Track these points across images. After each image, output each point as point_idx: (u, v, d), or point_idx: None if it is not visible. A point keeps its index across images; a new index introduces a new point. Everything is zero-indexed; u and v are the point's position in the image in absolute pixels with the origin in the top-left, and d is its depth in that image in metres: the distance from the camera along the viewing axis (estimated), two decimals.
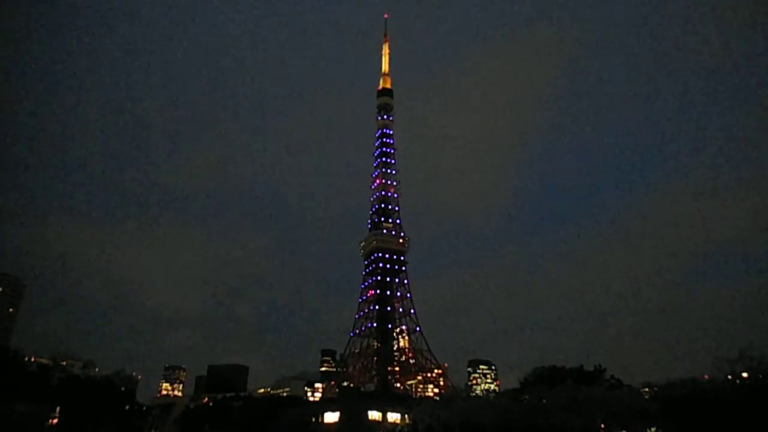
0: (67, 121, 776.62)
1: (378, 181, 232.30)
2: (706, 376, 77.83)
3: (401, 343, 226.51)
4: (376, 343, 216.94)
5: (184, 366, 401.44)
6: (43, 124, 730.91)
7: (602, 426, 73.84)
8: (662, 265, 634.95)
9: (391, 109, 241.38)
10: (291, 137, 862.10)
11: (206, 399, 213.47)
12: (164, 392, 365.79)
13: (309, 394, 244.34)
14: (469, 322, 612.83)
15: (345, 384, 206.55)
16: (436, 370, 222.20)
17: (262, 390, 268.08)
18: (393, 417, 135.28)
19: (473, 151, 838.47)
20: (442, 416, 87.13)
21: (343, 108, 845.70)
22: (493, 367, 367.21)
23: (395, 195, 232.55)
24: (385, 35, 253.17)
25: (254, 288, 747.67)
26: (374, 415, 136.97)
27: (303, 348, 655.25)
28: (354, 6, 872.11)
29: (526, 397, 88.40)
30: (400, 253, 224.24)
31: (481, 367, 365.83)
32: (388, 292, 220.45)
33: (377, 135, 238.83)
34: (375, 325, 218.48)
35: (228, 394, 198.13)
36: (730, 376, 71.03)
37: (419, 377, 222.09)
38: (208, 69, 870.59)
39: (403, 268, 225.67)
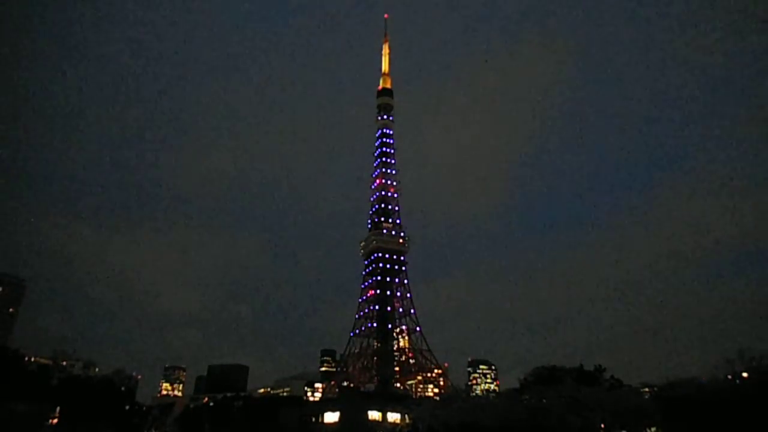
0: (68, 121, 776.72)
1: (378, 181, 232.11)
2: (706, 377, 77.71)
3: (401, 343, 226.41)
4: (376, 343, 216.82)
5: (184, 366, 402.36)
6: (44, 124, 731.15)
7: (602, 426, 73.80)
8: (662, 265, 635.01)
9: (391, 109, 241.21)
10: (291, 137, 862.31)
11: (206, 399, 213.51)
12: (164, 392, 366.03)
13: (309, 394, 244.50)
14: (469, 322, 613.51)
15: (345, 384, 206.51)
16: (436, 370, 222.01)
17: (262, 390, 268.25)
18: (393, 417, 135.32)
19: (473, 151, 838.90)
20: (442, 416, 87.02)
21: (343, 108, 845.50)
22: (493, 367, 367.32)
23: (395, 195, 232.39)
24: (385, 35, 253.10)
25: (254, 288, 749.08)
26: (374, 415, 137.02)
27: (303, 348, 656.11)
28: (354, 6, 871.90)
29: (526, 397, 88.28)
30: (400, 253, 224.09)
31: (481, 367, 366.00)
32: (388, 292, 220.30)
33: (377, 135, 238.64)
34: (375, 325, 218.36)
35: (228, 394, 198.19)
36: (730, 376, 70.91)
37: (419, 377, 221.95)
38: (208, 70, 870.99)
39: (403, 268, 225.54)
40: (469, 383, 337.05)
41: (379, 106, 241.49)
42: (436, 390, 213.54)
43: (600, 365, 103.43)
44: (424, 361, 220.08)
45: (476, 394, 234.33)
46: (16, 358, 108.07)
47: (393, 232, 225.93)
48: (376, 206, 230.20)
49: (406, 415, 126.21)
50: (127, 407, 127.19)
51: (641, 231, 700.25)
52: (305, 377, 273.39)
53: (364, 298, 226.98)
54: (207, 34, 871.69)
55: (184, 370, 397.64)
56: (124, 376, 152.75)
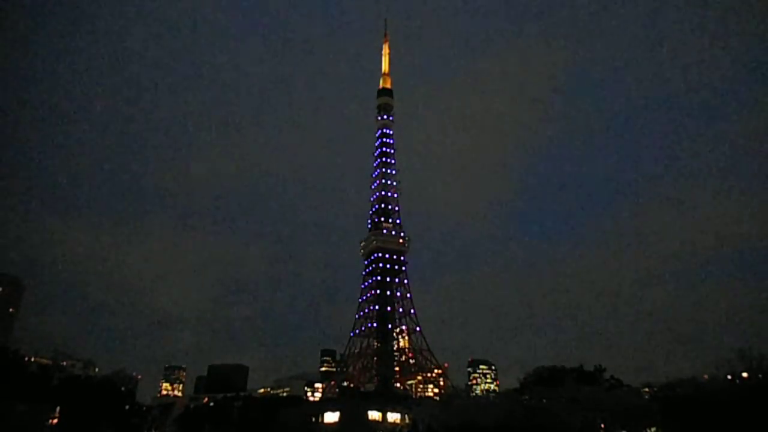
0: (68, 121, 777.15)
1: (378, 181, 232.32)
2: (706, 376, 77.81)
3: (401, 343, 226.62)
4: (376, 343, 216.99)
5: (184, 366, 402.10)
6: (44, 124, 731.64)
7: (602, 426, 73.88)
8: (662, 265, 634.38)
9: (391, 109, 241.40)
10: (291, 137, 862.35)
11: (206, 399, 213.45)
12: (164, 392, 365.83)
13: (309, 394, 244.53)
14: (469, 322, 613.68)
15: (345, 384, 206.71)
16: (436, 370, 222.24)
17: (262, 390, 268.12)
18: (393, 417, 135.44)
19: (473, 152, 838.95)
20: (442, 416, 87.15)
21: (343, 108, 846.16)
22: (493, 367, 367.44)
23: (395, 195, 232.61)
24: (385, 35, 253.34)
25: (254, 288, 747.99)
26: (374, 415, 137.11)
27: (303, 348, 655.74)
28: (354, 6, 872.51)
29: (526, 397, 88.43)
30: (400, 253, 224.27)
31: (481, 367, 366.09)
32: (388, 292, 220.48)
33: (377, 135, 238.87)
34: (375, 325, 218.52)
35: (228, 394, 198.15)
36: (730, 376, 71.00)
37: (419, 377, 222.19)
38: (207, 69, 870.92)
39: (403, 268, 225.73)
40: (469, 383, 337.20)
41: (379, 106, 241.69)
42: (436, 390, 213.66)
43: (600, 365, 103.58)
44: (424, 361, 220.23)
45: (476, 394, 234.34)
46: (16, 358, 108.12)
47: (393, 232, 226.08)
48: (376, 206, 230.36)
49: (406, 415, 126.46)
50: (127, 407, 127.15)
51: (641, 231, 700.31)
52: (305, 377, 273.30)
53: (364, 298, 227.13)
54: (206, 34, 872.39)
55: (184, 370, 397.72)
56: (124, 376, 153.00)
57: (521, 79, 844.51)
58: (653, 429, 77.80)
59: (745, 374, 68.44)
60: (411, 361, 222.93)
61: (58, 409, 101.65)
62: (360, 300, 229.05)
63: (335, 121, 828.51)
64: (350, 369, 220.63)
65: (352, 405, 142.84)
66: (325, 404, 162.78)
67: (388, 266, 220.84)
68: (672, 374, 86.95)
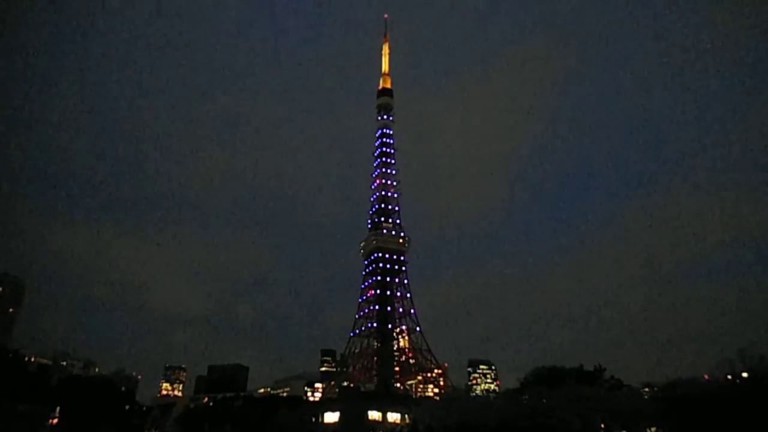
0: (69, 121, 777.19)
1: (378, 181, 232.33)
2: (706, 376, 77.86)
3: (401, 343, 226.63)
4: (376, 343, 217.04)
5: (184, 366, 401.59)
6: (45, 124, 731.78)
7: (602, 426, 73.84)
8: (662, 265, 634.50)
9: (391, 109, 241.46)
10: (291, 137, 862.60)
11: (206, 399, 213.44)
12: (164, 392, 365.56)
13: (309, 394, 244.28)
14: (469, 322, 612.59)
15: (345, 384, 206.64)
16: (436, 370, 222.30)
17: (262, 390, 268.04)
18: (393, 417, 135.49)
19: (473, 151, 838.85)
20: (442, 416, 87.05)
21: (343, 108, 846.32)
22: (493, 367, 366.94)
23: (395, 195, 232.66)
24: (385, 35, 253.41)
25: (254, 288, 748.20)
26: (374, 415, 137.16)
27: (303, 348, 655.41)
28: (354, 6, 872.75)
29: (526, 397, 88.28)
30: (400, 253, 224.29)
31: (481, 367, 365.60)
32: (388, 292, 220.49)
33: (377, 135, 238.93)
34: (375, 325, 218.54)
35: (228, 394, 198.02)
36: (730, 376, 71.03)
37: (419, 377, 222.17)
38: (207, 70, 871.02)
39: (403, 268, 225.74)
40: (469, 383, 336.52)
41: (379, 106, 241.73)
42: (436, 390, 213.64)
43: (600, 365, 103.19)
44: (424, 361, 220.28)
45: (476, 394, 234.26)
46: (16, 358, 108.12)
47: (393, 232, 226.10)
48: (376, 206, 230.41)
49: (406, 415, 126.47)
50: (127, 407, 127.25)
51: (641, 231, 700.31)
52: (305, 377, 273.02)
53: (365, 298, 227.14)
54: (205, 34, 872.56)
55: (184, 370, 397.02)
56: (124, 376, 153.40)
57: (521, 80, 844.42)
58: (653, 429, 77.80)
59: (745, 374, 68.45)
60: (411, 361, 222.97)
61: (58, 409, 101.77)
62: (360, 300, 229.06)
63: (335, 121, 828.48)
64: (350, 369, 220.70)
65: (352, 405, 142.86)
66: (325, 404, 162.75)
67: (388, 266, 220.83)
68: (672, 374, 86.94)
